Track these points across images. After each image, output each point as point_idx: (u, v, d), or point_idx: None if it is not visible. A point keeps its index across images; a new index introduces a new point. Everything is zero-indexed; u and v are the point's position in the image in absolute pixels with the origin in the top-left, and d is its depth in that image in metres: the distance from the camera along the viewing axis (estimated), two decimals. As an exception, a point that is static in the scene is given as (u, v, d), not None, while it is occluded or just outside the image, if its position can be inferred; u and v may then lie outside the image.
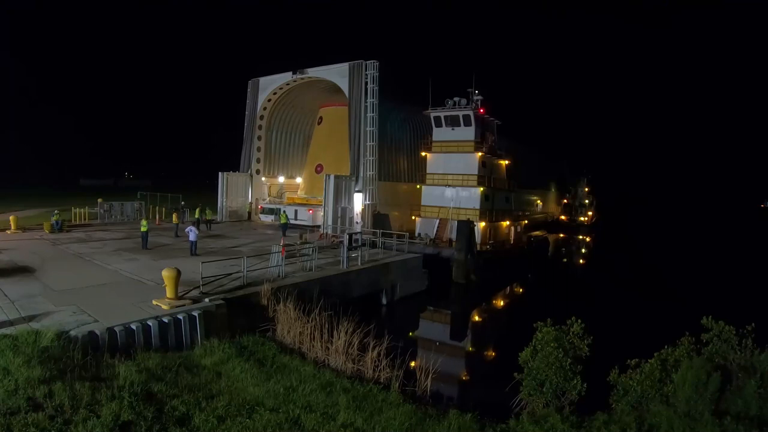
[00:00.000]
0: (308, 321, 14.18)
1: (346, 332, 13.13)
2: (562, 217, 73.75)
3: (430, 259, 28.01)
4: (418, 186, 38.58)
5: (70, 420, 8.07)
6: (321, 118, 45.82)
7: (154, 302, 13.75)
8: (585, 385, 10.25)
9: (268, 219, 39.62)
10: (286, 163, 47.52)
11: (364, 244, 24.18)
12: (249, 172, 43.92)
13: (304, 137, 48.68)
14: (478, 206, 34.83)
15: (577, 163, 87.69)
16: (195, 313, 13.28)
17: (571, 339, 10.86)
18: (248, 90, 43.80)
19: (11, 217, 28.74)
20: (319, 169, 43.35)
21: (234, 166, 44.70)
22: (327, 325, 13.80)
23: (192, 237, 22.59)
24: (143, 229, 24.02)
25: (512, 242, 39.41)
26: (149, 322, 12.38)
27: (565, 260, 49.19)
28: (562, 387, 10.29)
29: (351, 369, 12.51)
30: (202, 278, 15.58)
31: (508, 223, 39.38)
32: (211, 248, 24.96)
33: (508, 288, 32.75)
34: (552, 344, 10.49)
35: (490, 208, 36.05)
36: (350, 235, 22.32)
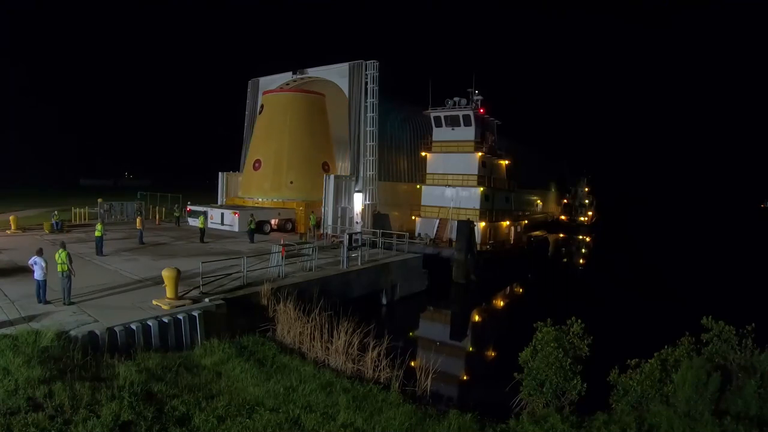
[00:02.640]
0: (308, 321, 14.17)
1: (346, 332, 13.13)
2: (562, 217, 73.76)
3: (430, 259, 28.01)
4: (418, 186, 38.57)
5: (70, 420, 8.07)
6: (262, 106, 40.39)
7: (154, 302, 13.75)
8: (585, 385, 10.26)
9: (195, 222, 32.09)
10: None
11: (364, 244, 24.16)
12: (249, 172, 43.89)
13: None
14: (478, 206, 34.84)
15: (577, 163, 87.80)
16: (195, 313, 13.27)
17: (571, 339, 10.86)
18: (248, 90, 43.76)
19: (11, 217, 28.74)
20: (257, 165, 38.22)
21: (234, 166, 44.68)
22: (327, 325, 13.80)
23: (38, 275, 13.20)
24: (97, 233, 21.20)
25: (512, 242, 39.41)
26: (149, 322, 12.38)
27: (565, 260, 49.18)
28: (562, 387, 10.29)
29: (351, 369, 12.51)
30: (202, 278, 15.59)
31: (508, 223, 39.38)
32: (211, 248, 24.96)
33: (508, 288, 32.74)
34: (552, 344, 10.49)
35: (490, 208, 36.05)
36: (350, 235, 22.31)
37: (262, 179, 37.35)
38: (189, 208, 35.52)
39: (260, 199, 36.80)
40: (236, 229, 30.92)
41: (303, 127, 37.69)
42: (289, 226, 34.45)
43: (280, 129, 37.43)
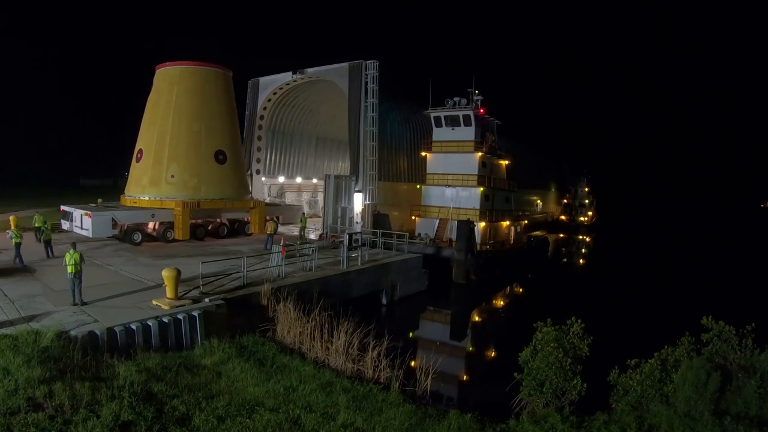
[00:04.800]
0: (308, 321, 14.18)
1: (346, 332, 13.13)
2: (562, 217, 73.85)
3: (430, 259, 28.00)
4: (418, 186, 38.57)
5: (70, 420, 8.08)
6: (152, 84, 32.52)
7: (154, 302, 13.75)
8: (585, 385, 10.27)
9: (65, 226, 27.45)
10: (286, 163, 47.55)
11: (364, 244, 24.17)
12: (249, 172, 43.90)
13: (305, 137, 48.64)
14: (478, 206, 34.87)
15: (577, 163, 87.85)
16: (195, 313, 13.27)
17: (571, 339, 10.87)
18: (248, 90, 43.84)
19: (11, 218, 28.67)
20: (139, 156, 30.55)
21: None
22: (327, 325, 13.81)
23: None
24: (16, 240, 18.60)
25: (512, 242, 39.42)
26: (149, 322, 12.38)
27: (565, 260, 49.20)
28: (562, 387, 10.30)
29: (351, 369, 12.51)
30: (202, 278, 15.59)
31: (508, 223, 39.40)
32: (211, 249, 24.95)
33: (508, 288, 32.74)
34: (552, 344, 10.50)
35: (490, 208, 36.08)
36: (350, 235, 22.32)
37: (142, 173, 29.78)
38: (62, 208, 28.54)
39: (144, 198, 29.07)
40: (90, 234, 24.59)
41: (191, 107, 29.86)
42: (170, 234, 26.86)
43: (165, 111, 29.95)
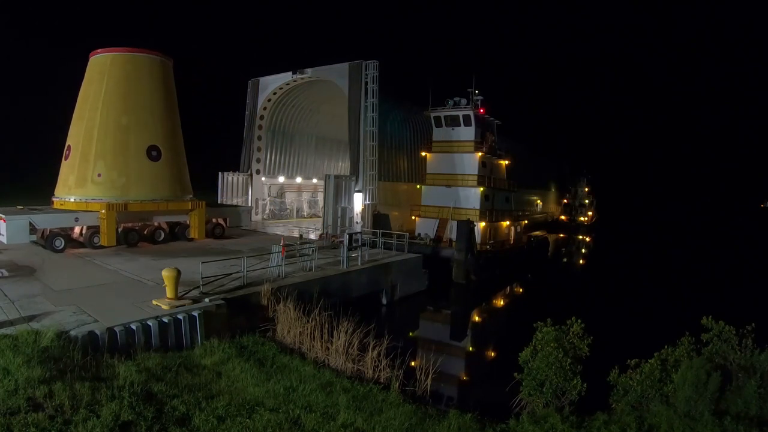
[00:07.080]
0: (308, 321, 14.18)
1: (346, 332, 13.13)
2: (562, 217, 73.90)
3: (430, 259, 28.01)
4: (418, 186, 38.59)
5: (70, 420, 8.08)
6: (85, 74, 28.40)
7: (154, 302, 13.75)
8: (585, 385, 10.26)
9: None
10: (286, 163, 47.58)
11: (364, 244, 24.17)
12: (249, 172, 43.98)
13: (305, 137, 48.67)
14: (478, 206, 34.90)
15: (577, 163, 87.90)
16: (195, 313, 13.28)
17: (571, 339, 10.87)
18: (248, 90, 43.89)
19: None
20: (67, 153, 27.25)
21: (234, 166, 44.76)
22: (327, 325, 13.81)
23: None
24: None
25: (512, 242, 39.44)
26: (149, 322, 12.38)
27: (565, 260, 49.21)
28: (562, 387, 10.30)
29: (351, 369, 12.51)
30: (202, 278, 15.59)
31: (508, 223, 39.42)
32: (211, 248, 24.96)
33: (508, 288, 32.75)
34: (552, 344, 10.50)
35: (490, 208, 36.10)
36: (350, 235, 22.31)
37: (69, 172, 26.63)
38: None
39: (70, 200, 25.99)
40: (5, 240, 22.36)
41: (121, 98, 26.36)
42: (97, 239, 23.92)
43: (94, 103, 26.55)
